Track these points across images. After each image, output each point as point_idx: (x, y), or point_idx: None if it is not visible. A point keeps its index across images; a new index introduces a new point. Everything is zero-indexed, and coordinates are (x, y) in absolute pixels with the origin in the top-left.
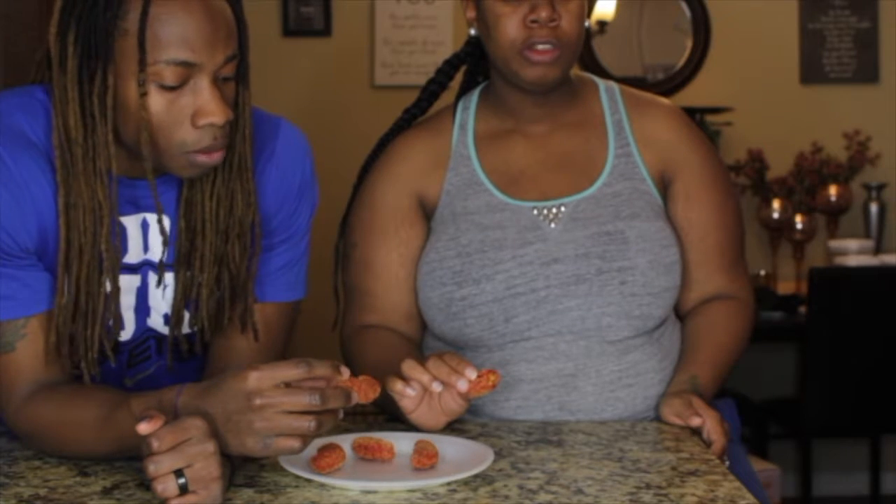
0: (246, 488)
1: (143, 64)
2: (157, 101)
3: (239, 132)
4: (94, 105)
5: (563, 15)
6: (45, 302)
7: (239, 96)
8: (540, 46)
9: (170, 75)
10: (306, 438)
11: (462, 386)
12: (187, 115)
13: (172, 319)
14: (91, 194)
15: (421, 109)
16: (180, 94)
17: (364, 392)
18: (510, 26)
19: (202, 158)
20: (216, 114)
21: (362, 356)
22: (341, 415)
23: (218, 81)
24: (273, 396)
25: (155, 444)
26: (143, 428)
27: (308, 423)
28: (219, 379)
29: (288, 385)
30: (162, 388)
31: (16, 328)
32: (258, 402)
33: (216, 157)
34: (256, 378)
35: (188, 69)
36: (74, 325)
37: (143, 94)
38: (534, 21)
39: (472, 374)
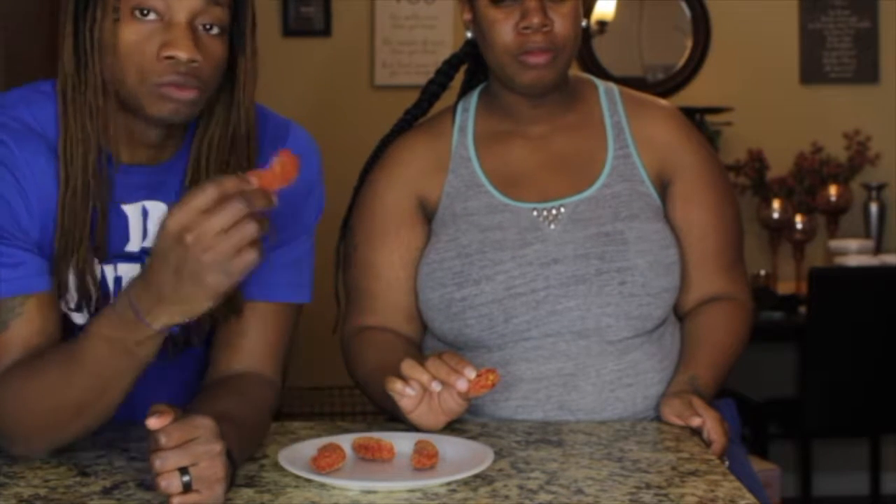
0: (246, 488)
1: None
2: (130, 31)
3: (235, 106)
4: (86, 39)
5: (556, 18)
6: (44, 283)
7: (238, 68)
8: (534, 49)
9: (145, 2)
10: (258, 246)
11: (462, 385)
12: (156, 49)
13: None
14: (81, 127)
15: (421, 110)
16: (155, 30)
17: (280, 183)
18: (504, 33)
19: (169, 90)
20: (180, 48)
21: (363, 357)
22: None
23: (197, 28)
24: (200, 224)
25: (163, 440)
26: (153, 423)
27: (249, 228)
28: (149, 253)
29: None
30: (114, 304)
31: (12, 307)
32: (189, 238)
33: (186, 94)
34: (174, 219)
35: (163, 0)
36: (65, 261)
37: (116, 20)
38: (526, 27)
39: (471, 373)
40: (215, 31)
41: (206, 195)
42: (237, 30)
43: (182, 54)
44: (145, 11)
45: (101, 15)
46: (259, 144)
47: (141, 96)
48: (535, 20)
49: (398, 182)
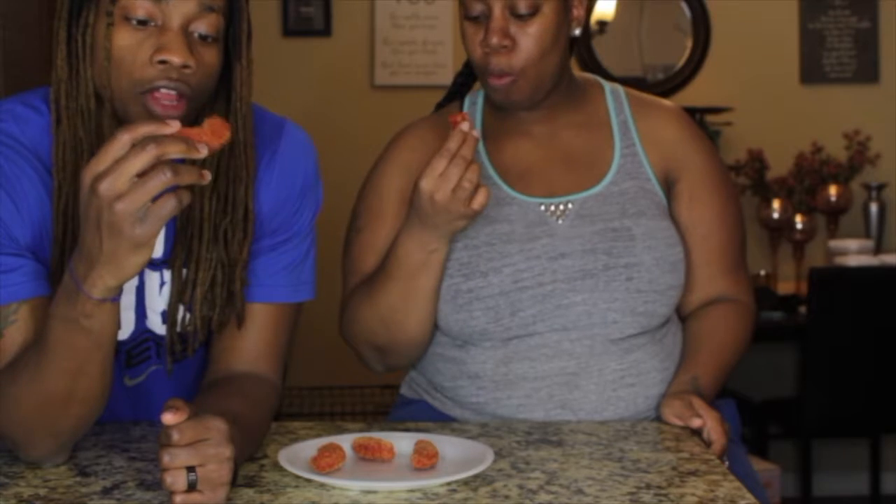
0: (246, 488)
1: None
2: (122, 37)
3: (232, 115)
4: (78, 45)
5: (521, 38)
6: (38, 288)
7: (234, 76)
8: (495, 72)
9: (139, 8)
10: (181, 200)
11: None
12: (148, 54)
13: (169, 319)
14: (73, 133)
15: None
16: (148, 35)
17: (209, 139)
18: (473, 48)
19: (155, 102)
20: (174, 52)
21: (363, 292)
22: (208, 177)
23: (190, 34)
24: (112, 171)
25: (175, 437)
26: (168, 419)
27: (165, 173)
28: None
29: None
30: (64, 281)
31: (6, 314)
32: (102, 186)
33: (172, 111)
34: (88, 169)
35: (157, 5)
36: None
37: (110, 25)
38: (488, 46)
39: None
40: (210, 41)
41: (119, 142)
42: (232, 37)
43: (175, 59)
44: (140, 17)
45: (93, 20)
46: (255, 145)
47: (129, 104)
48: (494, 41)
49: (405, 166)
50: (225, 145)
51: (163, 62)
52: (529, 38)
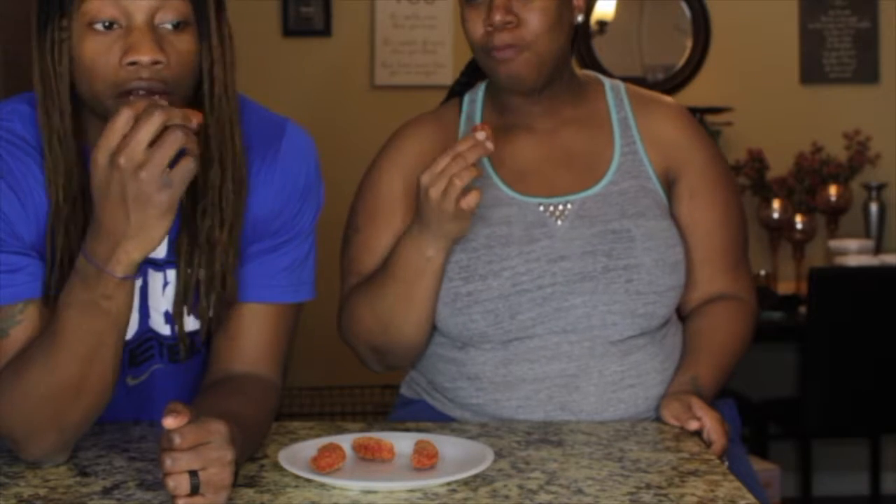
0: (246, 488)
1: (73, 5)
2: (91, 44)
3: (217, 98)
4: (52, 60)
5: (525, 15)
6: (44, 288)
7: (203, 55)
8: (500, 45)
9: (99, 11)
10: (192, 156)
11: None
12: (118, 58)
13: (175, 315)
14: (58, 150)
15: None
16: (116, 39)
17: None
18: (475, 30)
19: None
20: (141, 50)
21: (361, 293)
22: (195, 124)
23: (157, 27)
24: (127, 143)
25: (177, 441)
26: (170, 422)
27: (177, 134)
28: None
29: None
30: (75, 269)
31: (12, 314)
32: (121, 159)
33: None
34: (100, 150)
35: (117, 3)
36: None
37: (65, 39)
38: (491, 25)
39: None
40: (181, 28)
41: (123, 117)
42: (202, 17)
43: (143, 57)
44: (105, 23)
45: (58, 37)
46: (253, 143)
47: (111, 108)
48: (497, 17)
49: (404, 167)
50: (199, 128)
51: (132, 63)
52: (533, 14)
